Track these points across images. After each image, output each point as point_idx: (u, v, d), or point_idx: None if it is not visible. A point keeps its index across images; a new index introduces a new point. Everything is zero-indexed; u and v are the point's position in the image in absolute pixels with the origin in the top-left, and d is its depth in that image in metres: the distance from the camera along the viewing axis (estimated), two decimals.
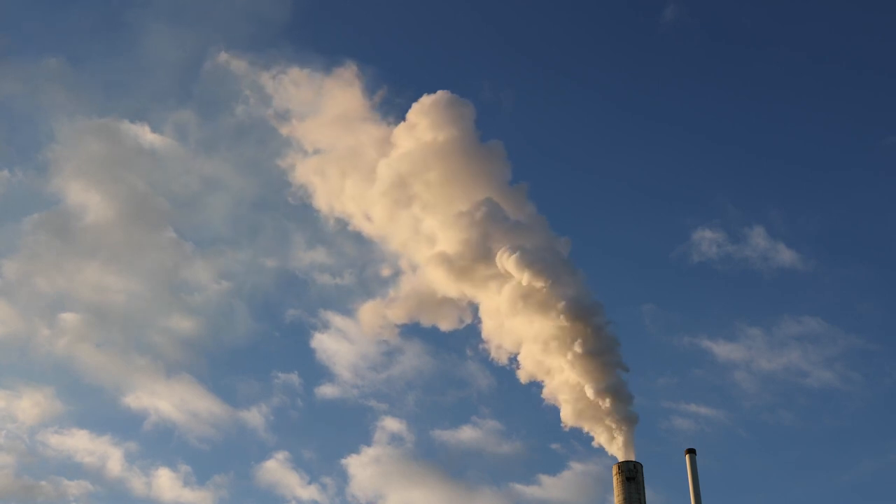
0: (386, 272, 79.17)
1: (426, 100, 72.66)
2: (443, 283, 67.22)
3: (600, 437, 56.93)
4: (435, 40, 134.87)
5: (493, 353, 66.03)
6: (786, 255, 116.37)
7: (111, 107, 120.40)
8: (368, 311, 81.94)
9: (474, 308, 68.24)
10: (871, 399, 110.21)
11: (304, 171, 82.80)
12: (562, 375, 59.97)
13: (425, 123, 71.48)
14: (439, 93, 72.95)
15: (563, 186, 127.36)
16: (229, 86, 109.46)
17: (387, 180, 70.76)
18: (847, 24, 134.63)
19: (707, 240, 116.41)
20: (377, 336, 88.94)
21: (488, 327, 66.00)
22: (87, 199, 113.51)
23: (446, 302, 69.47)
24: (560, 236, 68.56)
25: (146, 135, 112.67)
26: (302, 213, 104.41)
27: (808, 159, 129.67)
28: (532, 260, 61.80)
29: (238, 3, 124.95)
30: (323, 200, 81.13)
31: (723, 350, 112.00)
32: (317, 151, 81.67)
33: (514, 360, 64.58)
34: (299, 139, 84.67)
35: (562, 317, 59.59)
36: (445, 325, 71.63)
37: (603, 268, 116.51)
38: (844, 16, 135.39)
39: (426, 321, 72.68)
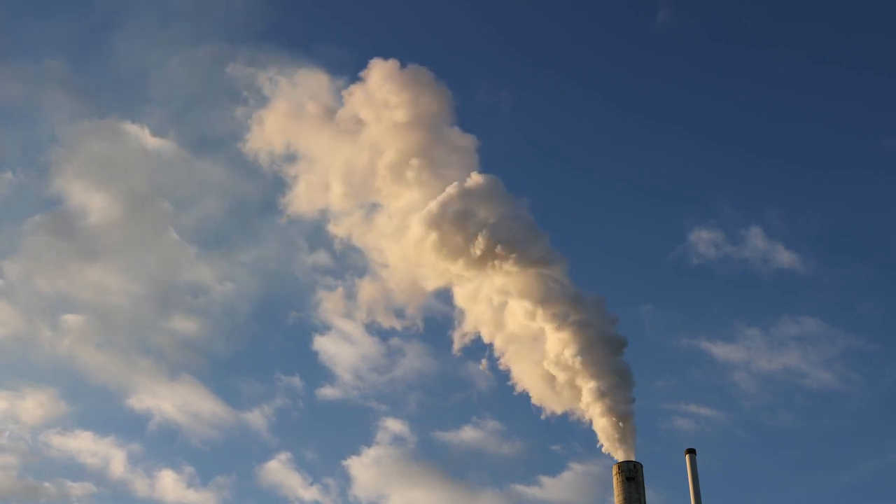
0: (367, 274, 79.83)
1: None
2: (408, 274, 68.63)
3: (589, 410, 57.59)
4: (433, 41, 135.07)
5: (466, 340, 67.17)
6: (784, 256, 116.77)
7: (112, 108, 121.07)
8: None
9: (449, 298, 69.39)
10: (870, 399, 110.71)
11: (306, 174, 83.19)
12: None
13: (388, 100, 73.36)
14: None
15: (562, 186, 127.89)
16: (231, 87, 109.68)
17: (366, 180, 72.65)
18: (845, 25, 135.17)
19: (705, 240, 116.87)
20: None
21: (466, 315, 67.17)
22: (89, 200, 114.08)
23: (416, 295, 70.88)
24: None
25: (147, 136, 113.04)
26: (304, 215, 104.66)
27: (807, 159, 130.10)
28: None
29: (238, 3, 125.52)
30: (323, 203, 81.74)
31: (722, 351, 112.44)
32: (316, 154, 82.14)
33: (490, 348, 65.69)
34: (300, 142, 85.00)
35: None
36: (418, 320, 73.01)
37: (602, 268, 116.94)
38: (843, 16, 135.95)
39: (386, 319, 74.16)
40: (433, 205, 65.32)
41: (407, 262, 68.92)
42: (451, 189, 66.11)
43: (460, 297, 67.11)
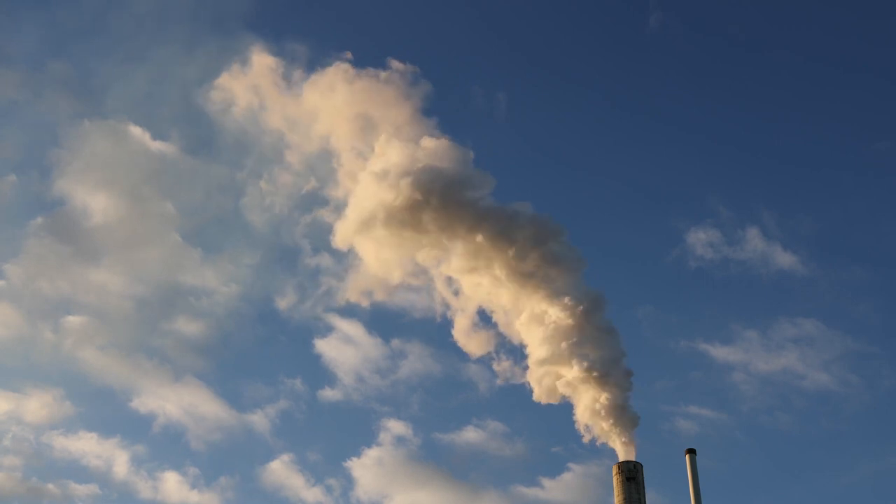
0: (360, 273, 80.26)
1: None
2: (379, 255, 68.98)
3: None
4: (433, 42, 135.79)
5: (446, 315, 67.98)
6: (782, 258, 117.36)
7: (115, 110, 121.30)
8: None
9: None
10: (868, 401, 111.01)
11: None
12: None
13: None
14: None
15: (560, 187, 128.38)
16: (232, 87, 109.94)
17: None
18: (838, 28, 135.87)
19: (702, 242, 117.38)
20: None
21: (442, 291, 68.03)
22: (91, 201, 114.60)
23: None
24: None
25: (151, 138, 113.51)
26: (306, 217, 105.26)
27: (802, 161, 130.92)
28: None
29: (239, 4, 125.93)
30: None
31: (720, 353, 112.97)
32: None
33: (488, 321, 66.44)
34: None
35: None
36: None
37: (600, 270, 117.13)
38: (837, 20, 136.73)
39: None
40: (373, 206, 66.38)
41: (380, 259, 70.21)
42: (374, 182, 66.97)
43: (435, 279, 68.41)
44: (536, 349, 60.31)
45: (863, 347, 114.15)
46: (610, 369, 56.95)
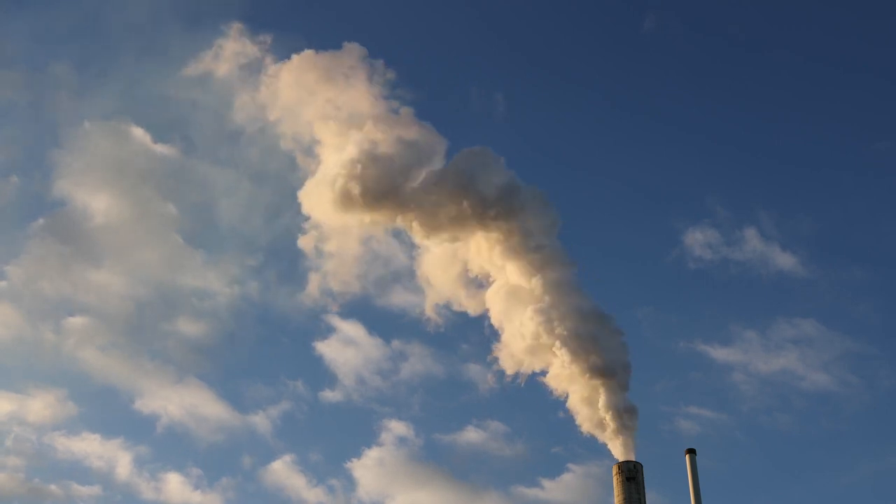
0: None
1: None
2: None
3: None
4: (430, 42, 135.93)
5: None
6: (780, 258, 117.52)
7: (116, 110, 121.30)
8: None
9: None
10: (868, 402, 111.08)
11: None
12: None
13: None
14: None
15: (559, 187, 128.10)
16: (235, 90, 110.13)
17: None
18: (837, 28, 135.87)
19: (701, 243, 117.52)
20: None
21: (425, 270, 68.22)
22: (93, 202, 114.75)
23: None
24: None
25: (152, 139, 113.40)
26: (308, 219, 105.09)
27: (800, 162, 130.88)
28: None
29: (240, 3, 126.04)
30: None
31: (720, 353, 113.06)
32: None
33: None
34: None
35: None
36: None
37: (599, 272, 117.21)
38: (836, 19, 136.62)
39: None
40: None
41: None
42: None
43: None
44: (505, 324, 60.59)
45: (862, 348, 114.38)
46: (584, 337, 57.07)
